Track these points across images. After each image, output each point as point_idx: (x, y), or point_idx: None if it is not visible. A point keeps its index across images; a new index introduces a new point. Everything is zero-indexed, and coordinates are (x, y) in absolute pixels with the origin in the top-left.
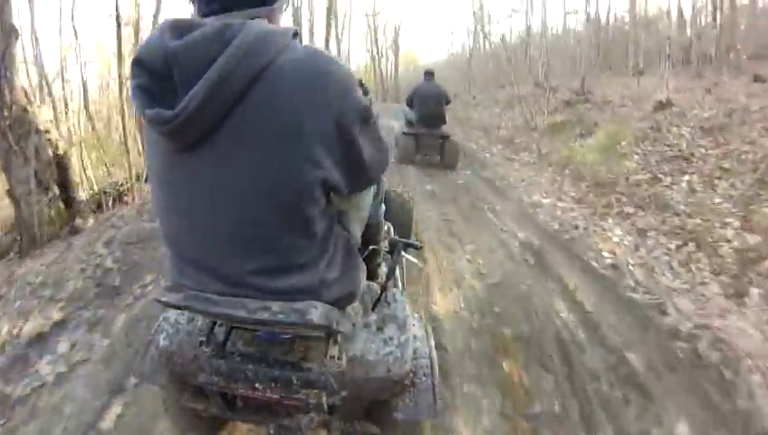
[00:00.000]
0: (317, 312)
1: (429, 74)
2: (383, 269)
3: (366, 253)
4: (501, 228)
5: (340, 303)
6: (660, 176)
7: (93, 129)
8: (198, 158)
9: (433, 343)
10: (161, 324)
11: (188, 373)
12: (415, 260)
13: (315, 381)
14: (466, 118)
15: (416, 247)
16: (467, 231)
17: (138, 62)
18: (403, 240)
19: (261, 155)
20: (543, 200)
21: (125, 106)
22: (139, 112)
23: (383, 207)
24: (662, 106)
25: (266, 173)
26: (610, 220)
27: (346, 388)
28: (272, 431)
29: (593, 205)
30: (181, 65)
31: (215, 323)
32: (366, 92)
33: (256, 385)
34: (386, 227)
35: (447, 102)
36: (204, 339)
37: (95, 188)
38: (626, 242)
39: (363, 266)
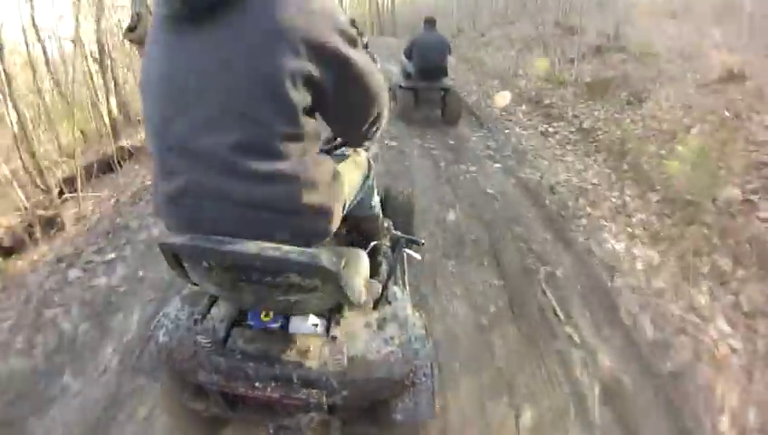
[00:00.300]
0: (328, 258)
1: (430, 23)
2: (384, 267)
3: (368, 249)
4: (573, 346)
5: (320, 223)
6: (754, 199)
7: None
8: (191, 42)
9: (432, 342)
10: (161, 320)
11: (188, 370)
12: (417, 256)
13: (315, 380)
14: (477, 61)
15: (418, 244)
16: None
17: None
18: (405, 236)
19: (253, 42)
20: (617, 246)
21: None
22: None
23: (377, 198)
24: (732, 77)
25: (257, 59)
26: (704, 288)
27: (346, 387)
28: (272, 431)
29: (676, 247)
30: None
31: (212, 304)
32: (360, 33)
33: (256, 384)
34: (386, 224)
35: (448, 52)
36: (199, 318)
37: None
38: (735, 362)
39: (365, 258)
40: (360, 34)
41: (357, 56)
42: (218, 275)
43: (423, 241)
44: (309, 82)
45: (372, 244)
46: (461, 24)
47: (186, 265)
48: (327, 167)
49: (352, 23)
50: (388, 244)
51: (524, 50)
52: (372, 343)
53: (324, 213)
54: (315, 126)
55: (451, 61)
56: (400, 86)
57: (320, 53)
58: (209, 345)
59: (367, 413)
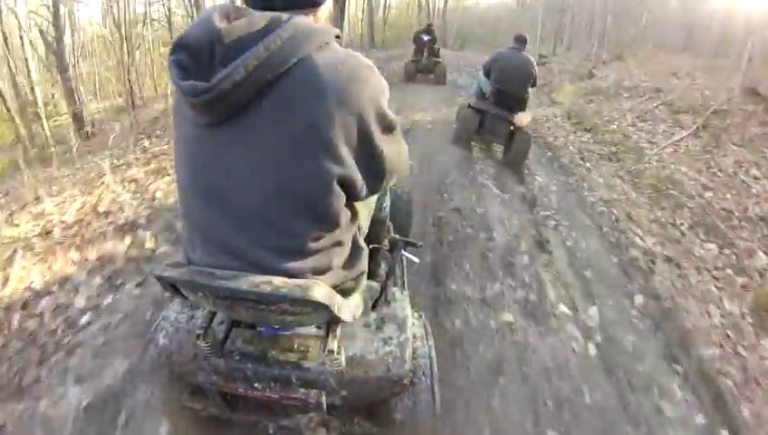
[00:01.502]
0: (319, 290)
1: (519, 41)
2: (383, 268)
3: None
4: None
5: (341, 292)
6: None
7: None
8: (224, 136)
9: (432, 342)
10: (161, 323)
11: (188, 372)
12: (415, 259)
13: (315, 380)
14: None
15: (416, 246)
16: None
17: (180, 41)
18: (404, 238)
19: (285, 143)
20: None
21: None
22: (174, 84)
23: (388, 201)
24: None
25: (290, 163)
26: None
27: (345, 387)
28: (271, 431)
29: None
30: (224, 45)
31: (212, 317)
32: (434, 40)
33: (256, 384)
34: (388, 226)
35: (533, 84)
36: (201, 332)
37: None
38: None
39: (366, 261)
40: (434, 39)
41: (389, 148)
42: (215, 302)
43: (420, 244)
44: (344, 183)
45: (371, 246)
46: (544, 46)
47: (183, 292)
48: (353, 236)
49: (427, 27)
50: (387, 245)
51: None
52: (371, 343)
53: (346, 287)
54: (347, 217)
55: (556, 116)
56: (469, 105)
57: (358, 152)
58: (209, 347)
59: (366, 413)
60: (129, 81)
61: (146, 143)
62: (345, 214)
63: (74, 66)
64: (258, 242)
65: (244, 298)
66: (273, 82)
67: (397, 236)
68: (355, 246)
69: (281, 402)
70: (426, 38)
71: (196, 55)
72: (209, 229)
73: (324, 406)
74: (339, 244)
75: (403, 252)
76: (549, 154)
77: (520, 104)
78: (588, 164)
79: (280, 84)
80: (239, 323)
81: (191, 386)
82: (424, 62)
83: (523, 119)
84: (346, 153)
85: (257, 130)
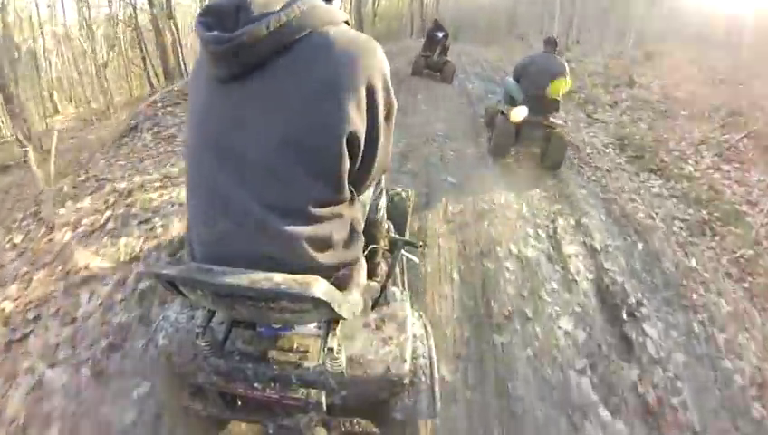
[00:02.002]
0: (319, 287)
1: (550, 44)
2: (383, 268)
3: (366, 251)
4: None
5: (340, 287)
6: None
7: None
8: (240, 91)
9: (432, 342)
10: (161, 323)
11: (188, 373)
12: (415, 259)
13: (314, 380)
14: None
15: (415, 246)
16: None
17: (208, 6)
18: (403, 238)
19: (298, 98)
20: None
21: None
22: (199, 38)
23: (384, 201)
24: None
25: (301, 116)
26: None
27: (345, 387)
28: (271, 431)
29: None
30: (248, 10)
31: (212, 317)
32: (447, 36)
33: (256, 385)
34: (386, 226)
35: (567, 85)
36: (201, 332)
37: None
38: None
39: (363, 262)
40: (446, 36)
41: (385, 136)
42: (214, 300)
43: (421, 244)
44: (351, 142)
45: (370, 246)
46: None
47: (182, 290)
48: (352, 218)
49: (435, 21)
50: (387, 246)
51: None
52: (371, 343)
53: (342, 278)
54: (350, 190)
55: (604, 145)
56: (501, 112)
57: (365, 118)
58: (208, 347)
59: (366, 413)
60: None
61: (60, 211)
62: (348, 186)
63: (45, 71)
64: (263, 198)
65: (244, 295)
66: (290, 44)
67: (396, 235)
68: (353, 230)
69: (281, 402)
70: (440, 35)
71: (221, 17)
72: (214, 188)
73: (324, 406)
74: (339, 217)
75: (403, 252)
76: (603, 213)
77: (555, 107)
78: (676, 247)
79: (296, 47)
80: (239, 323)
81: (191, 386)
82: (435, 60)
83: (558, 121)
84: (355, 111)
85: (272, 87)
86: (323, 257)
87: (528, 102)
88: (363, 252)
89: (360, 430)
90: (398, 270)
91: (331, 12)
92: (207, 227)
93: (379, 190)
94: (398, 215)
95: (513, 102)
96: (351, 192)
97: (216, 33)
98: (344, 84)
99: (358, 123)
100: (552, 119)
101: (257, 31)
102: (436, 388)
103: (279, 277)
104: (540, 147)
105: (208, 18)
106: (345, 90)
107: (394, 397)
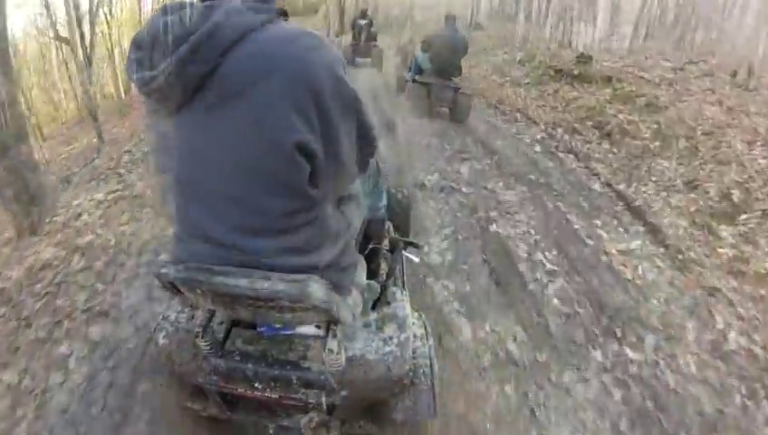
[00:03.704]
0: (318, 288)
1: (451, 19)
2: (384, 268)
3: (366, 251)
4: None
5: (338, 289)
6: None
7: None
8: (185, 124)
9: (433, 342)
10: (161, 323)
11: (188, 372)
12: (415, 259)
13: (315, 380)
14: None
15: (417, 246)
16: None
17: (133, 40)
18: (404, 239)
19: (242, 120)
20: None
21: None
22: (129, 80)
23: (384, 201)
24: None
25: (248, 137)
26: None
27: (345, 387)
28: (271, 431)
29: None
30: (167, 36)
31: (212, 316)
32: (371, 23)
33: (256, 385)
34: (387, 226)
35: (465, 52)
36: (201, 332)
37: None
38: None
39: (363, 262)
40: (371, 23)
41: (349, 126)
42: (213, 300)
43: (422, 244)
44: (303, 150)
45: (371, 246)
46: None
47: (182, 290)
48: (335, 223)
49: (363, 13)
50: (387, 245)
51: None
52: (371, 343)
53: (341, 285)
54: (319, 192)
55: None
56: (414, 80)
57: (318, 125)
58: (208, 347)
59: (366, 413)
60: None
61: None
62: (317, 190)
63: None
64: (231, 222)
65: (243, 296)
66: (218, 62)
67: (397, 235)
68: (347, 245)
69: (281, 402)
70: (362, 22)
71: (146, 50)
72: (192, 218)
73: (324, 406)
74: (314, 222)
75: (404, 252)
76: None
77: (457, 71)
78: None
79: (225, 64)
80: (239, 323)
81: (191, 386)
82: (362, 46)
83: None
84: (300, 121)
85: (214, 112)
86: (309, 260)
87: (435, 70)
88: (364, 252)
89: (360, 430)
90: (398, 270)
91: (252, 10)
92: (187, 252)
93: (379, 191)
94: (398, 215)
95: (420, 72)
96: (322, 193)
97: (141, 74)
98: (284, 93)
99: (304, 129)
100: (456, 81)
101: (177, 63)
102: (436, 388)
103: (278, 278)
104: (449, 106)
105: (135, 54)
106: (285, 98)
107: (394, 397)
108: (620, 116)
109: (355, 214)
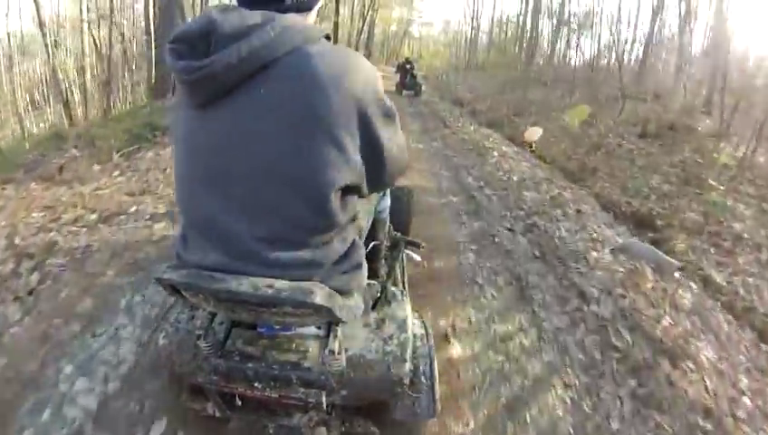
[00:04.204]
0: (321, 293)
1: (409, 62)
2: (384, 268)
3: (367, 250)
4: None
5: (341, 292)
6: None
7: None
8: (221, 120)
9: (433, 342)
10: (161, 324)
11: (188, 373)
12: (417, 258)
13: (315, 380)
14: None
15: (417, 246)
16: None
17: (178, 32)
18: (405, 238)
19: (283, 126)
20: None
21: None
22: (170, 68)
23: (388, 201)
24: None
25: (286, 145)
26: None
27: (345, 387)
28: (271, 431)
29: None
30: (219, 34)
31: (213, 317)
32: (412, 66)
33: (256, 384)
34: (388, 225)
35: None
36: (201, 332)
37: None
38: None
39: (363, 260)
40: (413, 68)
41: (389, 138)
42: (215, 304)
43: (423, 244)
44: (342, 169)
45: (372, 244)
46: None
47: (184, 294)
48: (350, 244)
49: (407, 60)
50: (388, 245)
51: None
52: (371, 343)
53: (346, 288)
54: (347, 211)
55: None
56: (402, 85)
57: (359, 140)
58: (209, 347)
59: (366, 413)
60: None
61: None
62: (344, 206)
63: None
64: (254, 229)
65: (245, 300)
66: (266, 67)
67: (398, 235)
68: (354, 245)
69: (281, 402)
70: (408, 67)
71: (192, 44)
72: (206, 217)
73: (324, 406)
74: (337, 239)
75: (404, 251)
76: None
77: (417, 77)
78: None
79: (273, 69)
80: (239, 324)
81: (191, 386)
82: (408, 82)
83: (420, 81)
84: (345, 138)
85: (253, 113)
86: (321, 275)
87: (405, 76)
88: (365, 250)
89: (360, 430)
90: (398, 270)
91: (306, 29)
92: (200, 258)
93: (382, 191)
94: (398, 214)
95: (402, 80)
96: (354, 211)
97: (186, 62)
98: (329, 109)
99: (348, 146)
100: (417, 80)
101: (228, 58)
102: (437, 388)
103: (281, 284)
104: (413, 90)
105: (178, 45)
106: (331, 113)
107: (394, 397)
108: None
109: (364, 215)
